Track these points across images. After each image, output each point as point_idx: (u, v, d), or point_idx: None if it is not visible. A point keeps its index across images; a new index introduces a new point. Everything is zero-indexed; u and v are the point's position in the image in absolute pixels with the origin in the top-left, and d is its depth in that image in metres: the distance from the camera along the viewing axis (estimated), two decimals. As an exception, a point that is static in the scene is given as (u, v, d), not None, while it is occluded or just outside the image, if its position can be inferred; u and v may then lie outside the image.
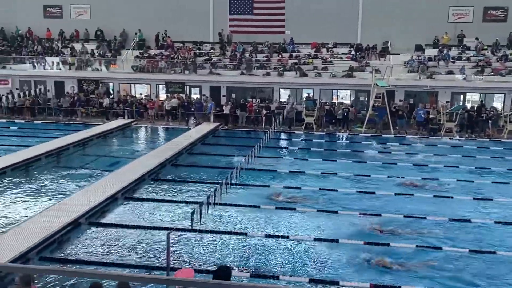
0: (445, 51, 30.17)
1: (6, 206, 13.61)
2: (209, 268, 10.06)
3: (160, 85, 30.76)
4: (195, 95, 30.01)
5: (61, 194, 14.68)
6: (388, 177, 17.30)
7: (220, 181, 14.76)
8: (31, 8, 35.31)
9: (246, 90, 30.03)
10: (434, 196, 15.14)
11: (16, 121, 27.81)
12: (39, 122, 27.73)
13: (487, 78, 28.17)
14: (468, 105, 27.84)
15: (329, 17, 31.80)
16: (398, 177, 17.20)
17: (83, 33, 34.88)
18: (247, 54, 31.77)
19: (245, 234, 11.90)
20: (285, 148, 23.15)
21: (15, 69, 31.93)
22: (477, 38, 30.79)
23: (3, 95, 29.90)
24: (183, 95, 29.46)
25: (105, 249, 11.04)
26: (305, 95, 29.20)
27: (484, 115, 25.96)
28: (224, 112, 27.64)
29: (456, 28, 31.87)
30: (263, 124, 26.95)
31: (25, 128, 26.16)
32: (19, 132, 25.02)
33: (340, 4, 32.34)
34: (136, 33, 33.52)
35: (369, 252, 10.98)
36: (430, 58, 30.16)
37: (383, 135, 25.36)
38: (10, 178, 16.19)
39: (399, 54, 30.76)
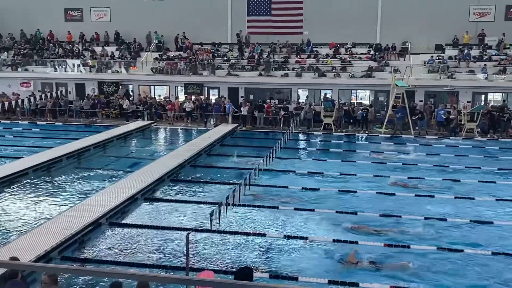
0: (466, 51, 29.75)
1: (28, 206, 13.82)
2: (228, 269, 10.07)
3: (179, 87, 30.96)
4: (213, 97, 30.12)
5: (82, 194, 14.85)
6: (408, 177, 17.13)
7: (238, 182, 14.77)
8: (52, 11, 35.88)
9: (264, 91, 30.04)
10: (455, 197, 14.95)
11: (38, 122, 28.26)
12: (60, 123, 28.14)
13: (510, 78, 27.69)
14: (490, 105, 27.40)
15: (348, 17, 31.64)
16: (421, 178, 17.02)
17: (103, 36, 35.31)
18: (265, 55, 31.77)
19: (264, 235, 11.89)
20: (303, 149, 23.05)
21: (37, 72, 32.49)
22: (504, 34, 30.19)
23: (25, 97, 30.43)
24: (201, 97, 29.62)
25: (124, 249, 11.13)
26: (323, 95, 29.06)
27: (506, 115, 25.52)
28: (242, 113, 27.68)
29: (477, 27, 31.41)
30: (281, 125, 26.91)
31: (47, 129, 26.56)
32: (40, 133, 25.42)
33: (359, 4, 32.13)
34: (155, 32, 33.73)
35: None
36: (450, 58, 29.78)
37: (403, 136, 25.11)
38: (32, 179, 16.44)
39: (419, 54, 30.45)
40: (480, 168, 18.65)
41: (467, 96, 27.78)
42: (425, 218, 13.01)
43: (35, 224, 12.24)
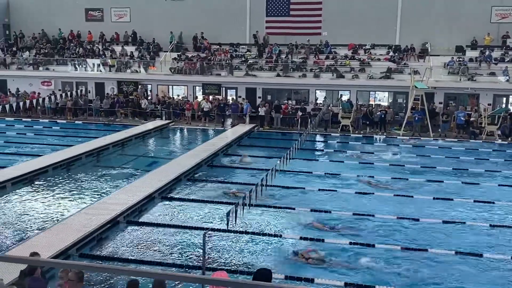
0: (487, 52, 29.31)
1: (47, 203, 14.03)
2: (244, 269, 10.08)
3: (197, 87, 31.10)
4: (230, 97, 30.19)
5: (100, 192, 15.03)
6: (427, 180, 16.97)
7: (255, 182, 14.76)
8: (73, 11, 36.34)
9: (282, 91, 30.00)
10: (475, 201, 14.76)
11: (58, 121, 28.65)
12: (80, 122, 28.49)
13: (532, 80, 27.21)
14: (512, 108, 27.00)
15: (367, 18, 31.41)
16: (439, 182, 16.85)
17: (123, 36, 35.66)
18: (283, 56, 31.74)
19: (280, 236, 11.88)
20: (320, 150, 22.98)
21: (58, 71, 32.95)
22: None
23: (46, 96, 30.89)
24: (219, 97, 29.71)
25: (141, 248, 11.23)
26: (342, 96, 28.91)
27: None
28: (259, 114, 27.68)
29: (499, 28, 30.91)
30: (298, 126, 26.84)
31: (67, 128, 26.92)
32: (61, 132, 25.77)
33: (379, 4, 31.88)
34: (171, 32, 33.92)
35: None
36: (471, 60, 29.37)
37: (421, 138, 24.84)
38: (52, 177, 16.67)
39: (438, 55, 30.06)
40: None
41: (488, 98, 27.37)
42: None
43: (54, 221, 12.42)
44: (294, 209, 13.64)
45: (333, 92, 29.54)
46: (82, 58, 33.28)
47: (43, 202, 14.12)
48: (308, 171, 18.09)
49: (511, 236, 12.33)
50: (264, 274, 5.72)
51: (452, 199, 14.91)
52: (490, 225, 12.88)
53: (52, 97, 30.63)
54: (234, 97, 29.84)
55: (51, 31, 36.85)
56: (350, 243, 11.46)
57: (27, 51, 35.05)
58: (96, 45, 35.06)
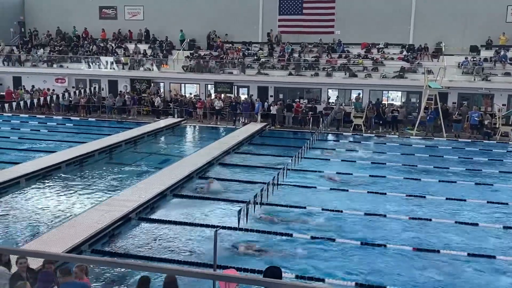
0: (502, 52, 28.99)
1: (61, 199, 14.15)
2: (254, 268, 10.08)
3: (209, 85, 31.17)
4: (243, 95, 30.21)
5: (113, 189, 15.12)
6: (440, 181, 16.86)
7: (267, 181, 14.76)
8: (87, 9, 36.64)
9: (294, 90, 29.95)
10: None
11: (72, 118, 28.90)
12: (93, 119, 28.70)
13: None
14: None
15: (380, 17, 31.25)
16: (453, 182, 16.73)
17: (137, 34, 35.85)
18: (295, 55, 31.67)
19: (291, 235, 11.86)
20: (332, 149, 22.88)
21: (72, 68, 33.25)
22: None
23: (60, 93, 31.16)
24: (231, 95, 29.74)
25: (153, 244, 11.29)
26: (354, 95, 28.79)
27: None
28: (271, 112, 27.67)
29: (515, 28, 30.56)
30: (310, 125, 26.77)
31: (80, 125, 27.14)
32: (74, 129, 25.98)
33: (392, 3, 31.70)
34: (181, 31, 33.98)
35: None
36: (486, 60, 29.07)
37: (434, 138, 24.65)
38: (65, 173, 16.82)
39: (453, 55, 29.81)
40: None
41: (502, 99, 27.06)
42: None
43: (67, 217, 12.53)
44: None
45: (345, 91, 29.42)
46: (96, 56, 33.51)
47: (56, 198, 14.24)
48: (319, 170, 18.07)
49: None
50: (274, 272, 5.73)
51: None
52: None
53: (66, 94, 30.89)
54: (246, 96, 29.85)
55: (65, 29, 37.17)
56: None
57: (42, 49, 35.38)
58: (110, 42, 35.29)
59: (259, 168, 18.35)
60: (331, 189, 15.68)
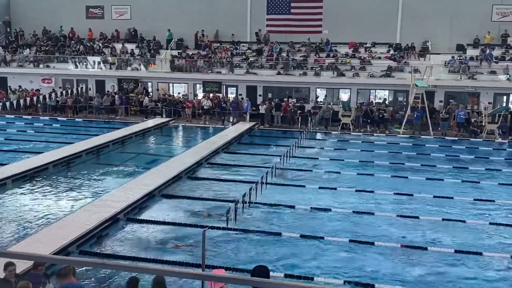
0: (487, 51, 29.30)
1: (48, 201, 14.03)
2: (242, 267, 10.10)
3: (197, 85, 31.11)
4: (231, 95, 30.19)
5: (101, 190, 15.04)
6: (427, 179, 17.02)
7: (255, 180, 14.79)
8: (74, 9, 36.35)
9: (282, 89, 29.99)
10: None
11: (59, 118, 28.66)
12: (80, 120, 28.50)
13: (532, 79, 27.19)
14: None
15: (367, 16, 31.40)
16: (440, 180, 16.87)
17: (124, 33, 35.65)
18: (283, 54, 31.72)
19: (280, 234, 11.89)
20: (320, 148, 22.97)
21: (58, 68, 32.98)
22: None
23: (47, 93, 30.89)
24: (219, 95, 29.70)
25: (141, 245, 11.24)
26: (342, 95, 28.93)
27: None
28: (260, 112, 27.69)
29: (499, 27, 30.90)
30: (299, 124, 26.84)
31: (67, 125, 26.93)
32: (61, 129, 25.78)
33: (379, 2, 31.88)
34: (168, 30, 33.84)
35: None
36: (472, 58, 29.36)
37: (421, 136, 24.86)
38: (52, 174, 16.69)
39: (439, 54, 30.07)
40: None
41: (489, 97, 27.36)
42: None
43: (55, 218, 12.43)
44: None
45: (333, 90, 29.55)
46: (83, 56, 33.28)
47: (43, 199, 14.13)
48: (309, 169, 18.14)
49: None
50: (262, 271, 5.76)
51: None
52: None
53: (53, 94, 30.63)
54: (235, 95, 29.83)
55: (51, 29, 36.85)
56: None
57: (28, 49, 35.04)
58: (97, 42, 35.06)
59: (248, 168, 18.36)
60: (320, 187, 15.73)
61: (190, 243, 11.33)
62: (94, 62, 32.56)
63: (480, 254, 10.94)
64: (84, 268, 9.51)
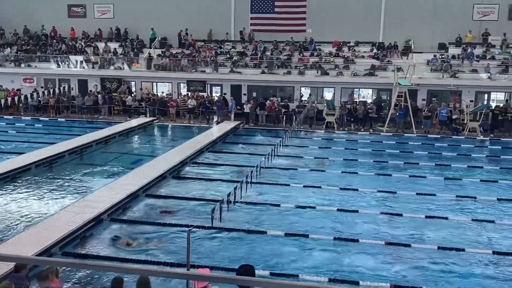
0: (469, 50, 29.67)
1: (30, 202, 13.86)
2: (228, 266, 10.09)
3: (181, 84, 30.97)
4: (216, 94, 30.12)
5: (84, 190, 14.90)
6: (410, 176, 17.20)
7: (240, 179, 14.78)
8: (55, 7, 35.93)
9: (267, 88, 30.02)
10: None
11: (41, 118, 28.31)
12: (63, 119, 28.18)
13: (513, 77, 27.62)
14: (493, 105, 27.38)
15: (351, 16, 31.59)
16: (423, 177, 17.06)
17: (107, 32, 35.34)
18: (268, 53, 31.75)
19: (265, 232, 11.90)
20: (305, 147, 23.04)
21: (40, 68, 32.55)
22: (504, 34, 30.14)
23: (29, 93, 30.47)
24: (203, 94, 29.61)
25: (126, 245, 11.15)
26: (326, 94, 29.06)
27: (509, 115, 25.46)
28: (244, 111, 27.68)
29: (480, 26, 31.32)
30: (284, 123, 26.89)
31: (49, 125, 26.61)
32: (43, 129, 25.46)
33: (363, 2, 32.09)
34: (152, 29, 33.64)
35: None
36: (454, 57, 29.71)
37: (405, 134, 25.09)
38: (35, 175, 16.48)
39: (422, 52, 30.38)
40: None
41: (470, 95, 27.73)
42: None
43: (38, 219, 12.28)
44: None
45: (317, 89, 29.67)
46: (65, 55, 32.91)
47: (25, 200, 13.94)
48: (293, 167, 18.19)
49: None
50: (247, 270, 5.76)
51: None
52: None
53: (35, 94, 30.24)
54: (220, 94, 29.76)
55: (33, 28, 36.38)
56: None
57: (8, 48, 34.54)
58: (79, 41, 34.69)
59: (232, 167, 18.34)
60: (304, 186, 15.78)
61: (142, 242, 11.36)
62: (76, 61, 32.23)
63: (463, 250, 11.08)
64: (67, 269, 9.41)
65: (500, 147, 22.85)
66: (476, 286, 9.71)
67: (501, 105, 26.82)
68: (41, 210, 13.14)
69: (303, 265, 10.39)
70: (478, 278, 10.04)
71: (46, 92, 30.84)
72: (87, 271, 9.53)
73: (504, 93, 28.17)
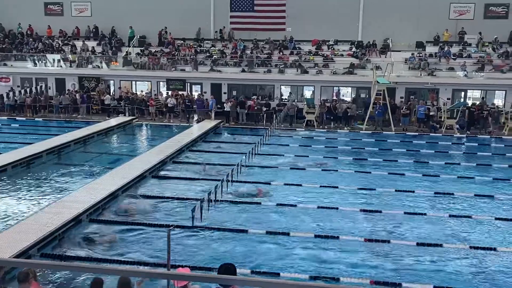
0: (446, 48, 30.13)
1: (7, 203, 13.62)
2: (209, 265, 10.07)
3: (161, 82, 30.76)
4: (196, 92, 30.00)
5: (62, 191, 14.70)
6: (389, 173, 17.39)
7: (220, 178, 14.76)
8: (31, 5, 35.33)
9: (247, 87, 30.02)
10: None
11: (17, 118, 27.84)
12: (40, 119, 27.75)
13: (488, 75, 28.13)
14: (469, 102, 27.86)
15: (330, 14, 31.79)
16: (401, 174, 17.26)
17: (85, 31, 34.90)
18: (248, 51, 31.74)
19: (246, 231, 11.91)
20: (285, 145, 23.12)
21: (16, 67, 31.99)
22: (480, 33, 30.68)
23: (4, 92, 29.91)
24: (183, 93, 29.46)
25: (105, 246, 11.06)
26: (306, 92, 29.20)
27: (485, 112, 25.94)
28: (225, 110, 27.63)
29: (457, 25, 31.83)
30: (264, 122, 26.92)
31: (26, 125, 26.18)
32: (20, 129, 25.04)
33: (341, 1, 32.31)
34: (130, 27, 33.34)
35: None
36: (431, 55, 30.14)
37: (383, 132, 25.35)
38: (11, 175, 16.20)
39: (400, 51, 30.74)
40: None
41: (447, 93, 28.17)
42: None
43: (15, 221, 12.08)
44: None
45: (297, 87, 29.79)
46: (42, 54, 32.40)
47: (2, 201, 13.70)
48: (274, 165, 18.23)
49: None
50: (228, 269, 5.76)
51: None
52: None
53: (11, 93, 29.71)
54: (200, 93, 29.65)
55: (8, 26, 35.71)
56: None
57: (-17, 46, 33.88)
58: (56, 40, 34.18)
59: (213, 165, 18.31)
60: (285, 184, 15.84)
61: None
62: (53, 60, 31.76)
63: (441, 245, 11.26)
64: (46, 271, 9.28)
65: (476, 144, 23.26)
66: (453, 280, 9.88)
67: (477, 103, 27.31)
68: (18, 211, 12.93)
69: (284, 262, 10.42)
70: (455, 272, 10.21)
71: (22, 91, 30.32)
72: (66, 273, 9.42)
73: (480, 91, 28.70)
